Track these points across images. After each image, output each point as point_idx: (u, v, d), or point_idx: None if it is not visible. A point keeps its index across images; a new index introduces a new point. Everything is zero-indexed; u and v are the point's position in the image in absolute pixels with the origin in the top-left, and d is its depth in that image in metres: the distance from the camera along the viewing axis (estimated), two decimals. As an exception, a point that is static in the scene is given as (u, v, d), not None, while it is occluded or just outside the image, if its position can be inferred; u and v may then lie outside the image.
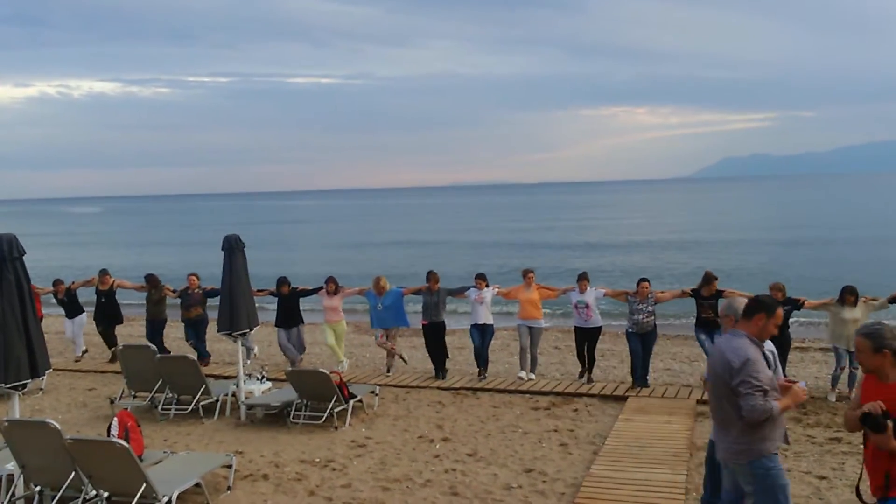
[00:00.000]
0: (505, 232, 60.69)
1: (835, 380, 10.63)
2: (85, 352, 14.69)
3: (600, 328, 11.80)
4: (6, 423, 6.76)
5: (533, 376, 11.85)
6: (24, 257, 6.91)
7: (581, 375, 11.70)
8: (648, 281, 11.44)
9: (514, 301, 12.49)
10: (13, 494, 6.88)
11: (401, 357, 12.82)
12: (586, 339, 11.65)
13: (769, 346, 5.36)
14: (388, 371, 12.55)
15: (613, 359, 13.66)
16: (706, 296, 11.01)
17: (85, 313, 14.58)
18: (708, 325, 10.85)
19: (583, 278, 11.63)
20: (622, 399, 10.62)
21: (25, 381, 6.82)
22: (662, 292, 11.77)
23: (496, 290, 12.26)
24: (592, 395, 10.91)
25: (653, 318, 11.20)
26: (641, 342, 11.20)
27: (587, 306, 11.47)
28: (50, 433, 6.60)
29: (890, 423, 4.25)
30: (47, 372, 7.06)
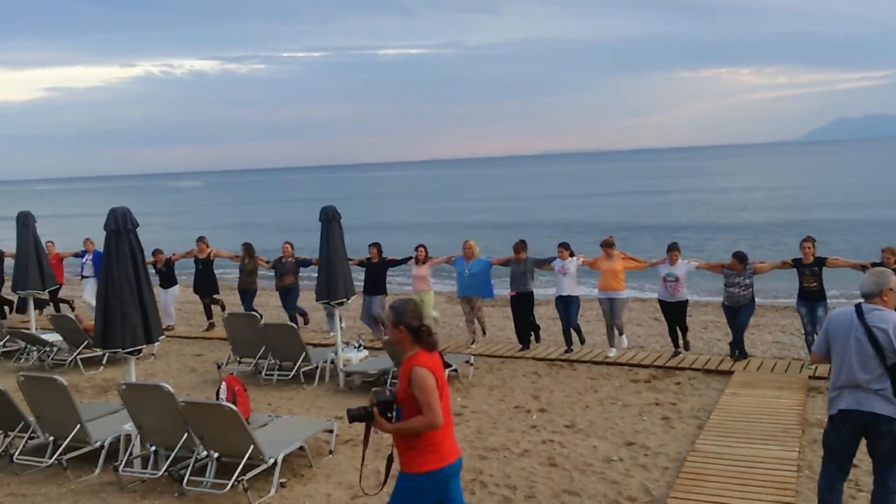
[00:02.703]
0: (595, 199, 59.56)
1: None
2: (170, 328, 14.41)
3: (687, 301, 11.30)
4: (124, 387, 7.08)
5: (621, 347, 11.46)
6: (136, 229, 7.20)
7: (675, 355, 11.19)
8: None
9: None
10: (131, 453, 7.21)
11: (482, 330, 12.67)
12: (673, 313, 11.22)
13: None
14: (472, 343, 12.41)
15: (717, 331, 13.23)
16: (806, 264, 10.47)
17: (178, 285, 14.99)
18: (809, 295, 10.32)
19: (673, 249, 11.11)
20: (727, 373, 10.27)
21: (141, 347, 7.13)
22: (761, 263, 11.08)
23: (581, 259, 11.94)
24: (696, 369, 10.57)
25: (750, 290, 10.66)
26: (736, 315, 10.76)
27: (677, 279, 10.98)
28: (164, 396, 6.89)
29: (376, 409, 4.40)
30: (160, 338, 7.35)
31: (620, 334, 11.64)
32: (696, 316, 14.25)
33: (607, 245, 11.54)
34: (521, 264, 11.98)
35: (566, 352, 11.65)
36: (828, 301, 10.45)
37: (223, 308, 14.62)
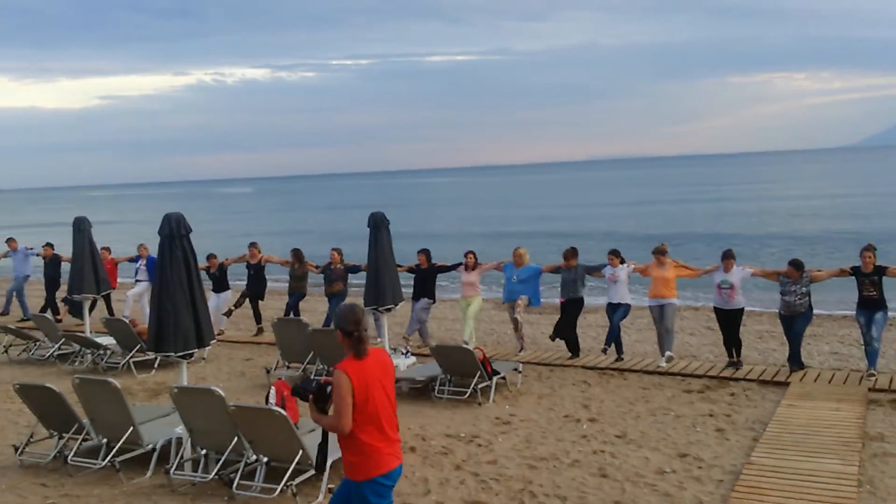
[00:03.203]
0: (644, 207, 58.82)
1: None
2: (221, 332, 14.45)
3: (742, 309, 11.03)
4: (176, 390, 7.16)
5: (664, 361, 11.18)
6: (189, 234, 7.28)
7: (729, 365, 10.90)
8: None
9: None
10: (182, 456, 7.29)
11: (520, 339, 12.44)
12: (729, 321, 10.95)
13: None
14: (520, 351, 12.28)
15: (773, 341, 12.89)
16: (866, 272, 10.13)
17: (230, 290, 15.19)
18: (869, 305, 10.00)
19: (728, 257, 10.86)
20: (783, 384, 10.00)
21: (192, 351, 7.21)
22: (819, 271, 10.79)
23: (632, 266, 11.75)
24: (750, 380, 10.31)
25: (807, 299, 10.35)
26: (792, 324, 10.46)
27: (731, 287, 10.74)
28: (215, 400, 6.94)
29: (311, 396, 4.59)
30: (212, 342, 7.42)
31: (670, 342, 11.39)
32: (751, 326, 13.92)
33: (659, 252, 11.34)
34: (572, 271, 11.85)
35: (616, 360, 11.47)
36: (888, 311, 10.15)
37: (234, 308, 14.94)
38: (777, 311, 10.83)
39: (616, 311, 11.59)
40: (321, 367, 10.94)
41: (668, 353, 11.25)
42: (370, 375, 4.51)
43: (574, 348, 11.94)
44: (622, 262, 11.68)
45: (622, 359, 11.51)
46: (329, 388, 4.56)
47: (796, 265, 10.39)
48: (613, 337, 11.64)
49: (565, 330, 11.94)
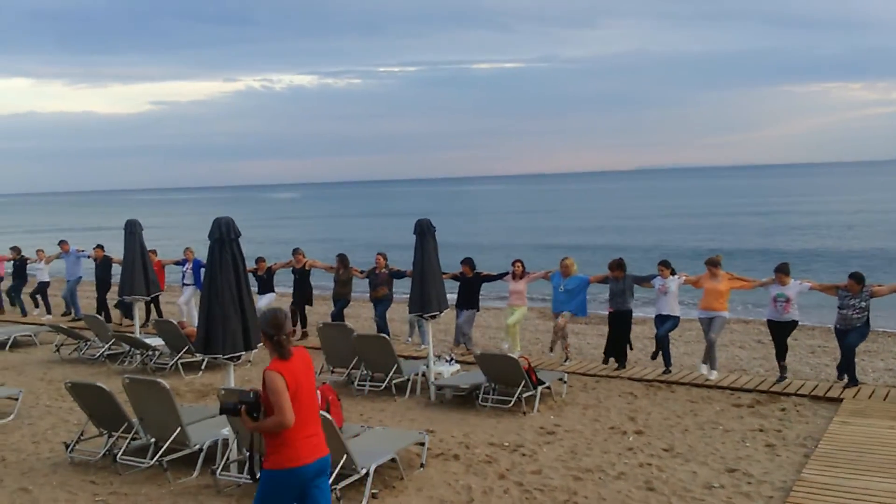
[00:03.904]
0: (694, 217, 57.90)
1: None
2: None
3: (796, 322, 10.74)
4: (223, 392, 7.22)
5: (715, 374, 10.97)
6: (238, 238, 7.36)
7: (780, 380, 10.64)
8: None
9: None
10: (228, 458, 7.35)
11: (565, 348, 12.31)
12: (780, 333, 10.71)
13: None
14: (565, 361, 12.15)
15: (825, 356, 12.59)
16: None
17: (274, 293, 15.36)
18: None
19: (782, 271, 10.61)
20: (836, 400, 9.72)
21: (240, 353, 7.27)
22: (880, 285, 10.47)
23: (683, 278, 11.54)
24: (802, 395, 10.05)
25: (865, 314, 10.06)
26: (845, 337, 10.18)
27: (787, 300, 10.49)
28: (261, 403, 6.97)
29: (243, 407, 4.80)
30: (259, 345, 7.47)
31: (713, 358, 11.14)
32: (803, 340, 13.61)
33: (713, 263, 11.12)
34: (620, 282, 11.69)
35: (664, 373, 11.29)
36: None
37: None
38: (832, 325, 10.55)
39: (664, 323, 11.41)
40: (365, 372, 10.98)
41: (713, 372, 11.02)
42: (298, 374, 4.86)
43: (621, 359, 11.78)
44: (673, 272, 11.49)
45: (670, 371, 11.32)
46: (254, 395, 4.86)
47: (857, 278, 10.11)
48: (661, 347, 11.47)
49: (615, 343, 11.80)
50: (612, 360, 11.85)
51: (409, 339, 14.19)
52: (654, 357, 11.62)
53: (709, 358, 11.10)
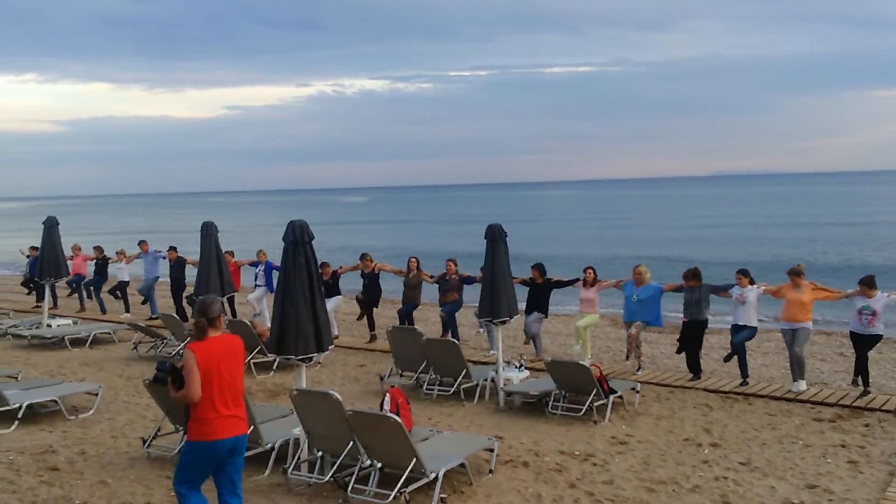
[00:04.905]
0: (779, 226, 55.89)
1: None
2: (336, 336, 14.83)
3: (880, 336, 10.31)
4: (295, 392, 7.31)
5: (803, 387, 10.58)
6: (312, 241, 7.43)
7: (864, 395, 10.19)
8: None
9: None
10: (299, 457, 7.43)
11: (637, 357, 12.02)
12: (861, 345, 10.26)
13: None
14: (637, 370, 11.87)
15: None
16: None
17: (340, 296, 15.48)
18: None
19: (867, 284, 10.15)
20: (924, 417, 9.29)
21: (312, 355, 7.34)
22: None
23: (762, 288, 11.15)
24: (887, 411, 9.61)
25: None
26: None
27: (874, 313, 10.03)
28: (332, 404, 7.04)
29: (169, 377, 5.47)
30: (330, 347, 7.54)
31: (801, 368, 10.76)
32: (888, 353, 13.02)
33: (795, 273, 10.72)
34: (695, 291, 11.36)
35: (741, 384, 10.94)
36: None
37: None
38: None
39: (740, 333, 11.07)
40: (434, 376, 10.97)
41: (802, 382, 10.62)
42: (213, 355, 5.43)
43: (696, 370, 11.48)
44: (752, 282, 11.13)
45: (747, 382, 10.97)
46: (170, 366, 5.52)
47: None
48: (735, 353, 11.12)
49: (689, 354, 11.51)
50: (686, 371, 11.55)
51: (481, 331, 14.20)
52: (726, 359, 11.28)
53: (798, 371, 10.69)
